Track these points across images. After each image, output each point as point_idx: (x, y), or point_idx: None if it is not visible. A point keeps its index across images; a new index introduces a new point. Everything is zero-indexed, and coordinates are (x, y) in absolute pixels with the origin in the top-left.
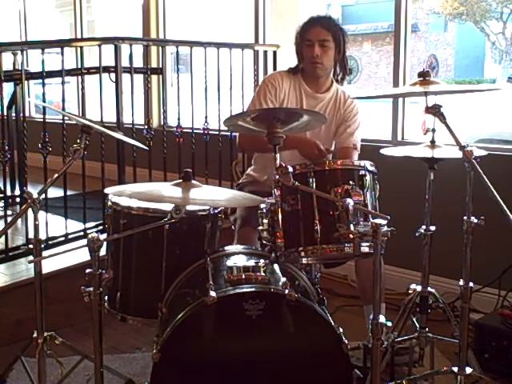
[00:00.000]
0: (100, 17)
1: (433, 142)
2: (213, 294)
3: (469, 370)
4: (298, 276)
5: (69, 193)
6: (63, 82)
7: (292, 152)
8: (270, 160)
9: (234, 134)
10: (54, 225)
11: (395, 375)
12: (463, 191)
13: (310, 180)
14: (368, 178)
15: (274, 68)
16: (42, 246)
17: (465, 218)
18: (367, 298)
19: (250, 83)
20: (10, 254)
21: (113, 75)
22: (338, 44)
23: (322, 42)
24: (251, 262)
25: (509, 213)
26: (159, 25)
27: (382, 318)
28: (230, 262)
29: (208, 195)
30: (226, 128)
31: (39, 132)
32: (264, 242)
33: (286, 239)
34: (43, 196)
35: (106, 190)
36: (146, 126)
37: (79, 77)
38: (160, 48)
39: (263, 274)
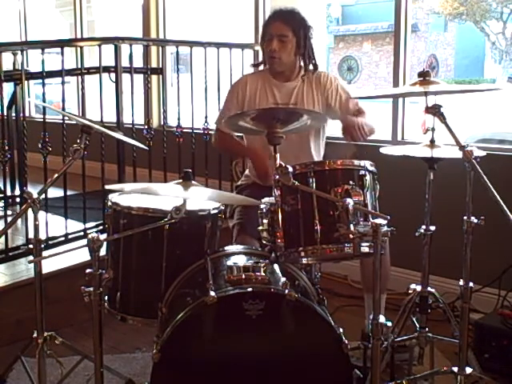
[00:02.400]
0: (100, 17)
1: (432, 141)
2: (213, 294)
3: (469, 370)
4: (298, 276)
5: (69, 193)
6: (63, 82)
7: (291, 152)
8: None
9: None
10: (54, 225)
11: (395, 375)
12: (463, 191)
13: (310, 180)
14: (368, 178)
15: None
16: (42, 246)
17: (465, 217)
18: (369, 286)
19: None
20: (10, 253)
21: (113, 75)
22: (299, 39)
23: (280, 36)
24: (251, 262)
25: (509, 213)
26: (159, 25)
27: (381, 318)
28: (230, 262)
29: (208, 195)
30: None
31: (39, 132)
32: (264, 242)
33: (285, 239)
34: (43, 196)
35: (107, 187)
36: (146, 126)
37: (79, 77)
38: (160, 48)
39: (263, 274)
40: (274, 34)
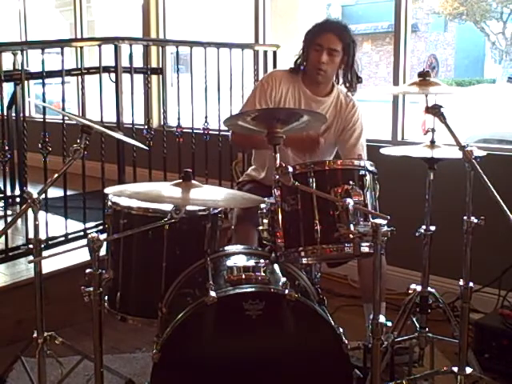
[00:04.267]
0: (100, 17)
1: (433, 142)
2: (213, 294)
3: (469, 370)
4: (298, 276)
5: (69, 193)
6: (63, 82)
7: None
8: (269, 159)
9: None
10: (54, 225)
11: (395, 375)
12: (463, 191)
13: (310, 180)
14: (368, 178)
15: (274, 68)
16: (42, 246)
17: (465, 217)
18: (368, 296)
19: (249, 83)
20: (10, 254)
21: (113, 75)
22: (347, 56)
23: (331, 50)
24: (251, 262)
25: (509, 213)
26: (159, 25)
27: (382, 318)
28: (230, 262)
29: (208, 195)
30: (226, 128)
31: (39, 132)
32: (264, 242)
33: (286, 239)
34: (43, 196)
35: (106, 190)
36: (146, 126)
37: (79, 77)
38: (160, 48)
39: (263, 273)
40: (324, 46)
